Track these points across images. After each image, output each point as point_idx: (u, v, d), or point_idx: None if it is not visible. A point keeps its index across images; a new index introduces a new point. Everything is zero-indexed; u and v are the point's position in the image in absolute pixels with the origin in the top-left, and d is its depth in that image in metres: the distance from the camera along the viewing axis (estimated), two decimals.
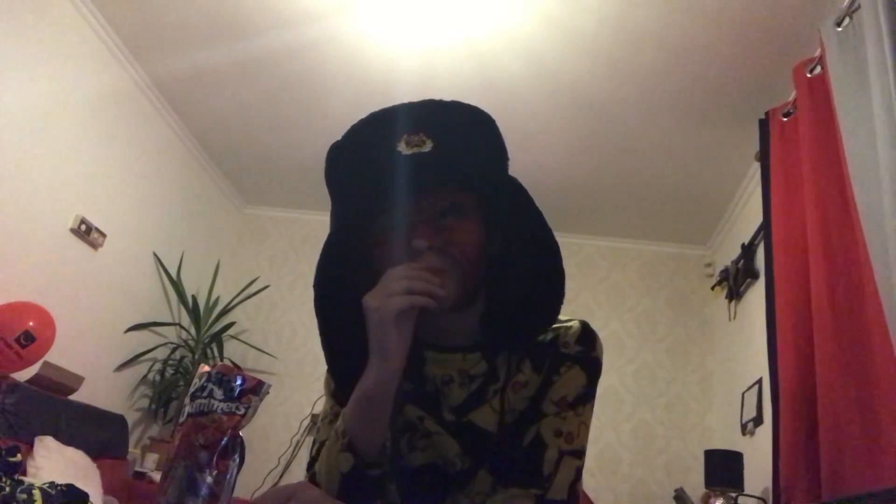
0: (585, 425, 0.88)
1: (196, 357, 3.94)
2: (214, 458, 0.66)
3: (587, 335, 0.91)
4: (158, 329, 3.89)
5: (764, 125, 2.70)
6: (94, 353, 3.36)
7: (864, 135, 1.84)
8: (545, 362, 0.89)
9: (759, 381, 3.14)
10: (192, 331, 4.11)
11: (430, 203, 0.82)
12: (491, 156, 0.87)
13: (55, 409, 2.78)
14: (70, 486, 2.14)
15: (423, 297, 0.74)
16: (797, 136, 2.35)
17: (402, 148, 0.79)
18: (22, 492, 1.97)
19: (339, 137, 0.89)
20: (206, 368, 0.72)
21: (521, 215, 0.86)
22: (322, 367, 0.91)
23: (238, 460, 0.68)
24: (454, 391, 0.89)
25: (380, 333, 0.75)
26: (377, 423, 0.79)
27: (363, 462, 0.78)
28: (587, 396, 0.88)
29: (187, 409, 0.69)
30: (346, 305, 0.85)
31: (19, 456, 2.31)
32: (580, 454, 0.86)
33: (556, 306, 0.88)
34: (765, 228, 2.63)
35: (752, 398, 3.24)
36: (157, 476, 3.30)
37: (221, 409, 0.68)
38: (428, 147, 0.79)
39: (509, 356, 0.90)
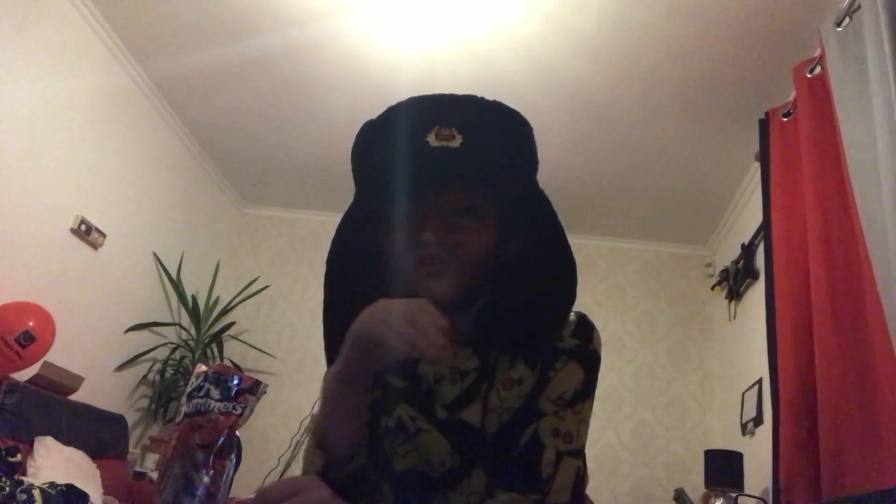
0: (585, 422, 0.86)
1: (196, 357, 3.94)
2: (211, 458, 0.66)
3: (584, 327, 0.89)
4: (158, 329, 3.89)
5: (764, 125, 2.70)
6: (94, 353, 3.36)
7: (864, 135, 1.84)
8: (539, 358, 0.86)
9: (759, 381, 3.13)
10: (192, 331, 4.11)
11: (448, 200, 0.82)
12: (520, 162, 0.86)
13: (55, 409, 2.78)
14: (70, 486, 2.14)
15: (413, 350, 0.72)
16: (797, 136, 2.35)
17: (431, 139, 0.79)
18: (22, 492, 1.96)
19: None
20: (203, 368, 0.71)
21: (541, 228, 0.86)
22: (322, 367, 0.89)
23: (235, 460, 0.68)
24: (446, 388, 0.88)
25: (356, 353, 0.77)
26: (342, 419, 0.80)
27: (332, 459, 0.79)
28: (586, 392, 0.86)
29: (184, 408, 0.69)
30: (349, 286, 0.87)
31: (19, 456, 2.32)
32: (579, 453, 0.83)
33: (560, 320, 0.87)
34: (765, 228, 2.63)
35: (752, 398, 3.23)
36: (156, 476, 3.30)
37: (218, 409, 0.67)
38: (456, 143, 0.79)
39: (501, 352, 0.88)
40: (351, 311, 0.81)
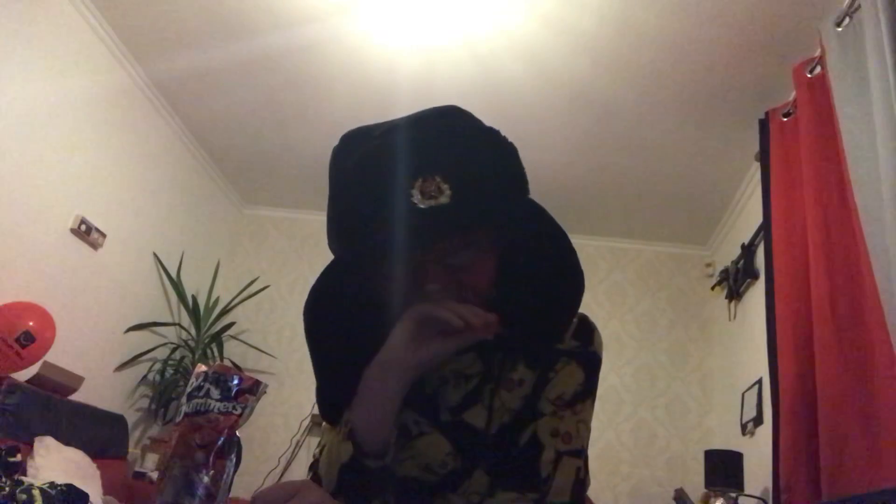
0: (585, 423, 0.86)
1: (196, 357, 3.94)
2: (211, 458, 0.66)
3: (584, 329, 0.89)
4: (158, 329, 3.89)
5: (764, 125, 2.70)
6: (94, 353, 3.36)
7: (864, 135, 1.84)
8: (540, 359, 0.87)
9: (759, 381, 3.13)
10: (192, 331, 4.11)
11: (445, 245, 0.79)
12: (511, 190, 0.83)
13: (55, 409, 2.78)
14: (70, 486, 2.14)
15: (466, 325, 0.75)
16: (797, 137, 2.35)
17: (418, 199, 0.74)
18: (22, 492, 1.96)
19: (337, 142, 0.85)
20: (203, 368, 0.72)
21: (541, 238, 0.84)
22: None
23: (235, 460, 0.68)
24: (450, 392, 0.88)
25: (408, 335, 0.77)
26: (379, 411, 0.78)
27: (362, 451, 0.77)
28: (586, 393, 0.86)
29: (184, 408, 0.69)
30: (339, 331, 0.84)
31: (19, 456, 2.31)
32: (580, 454, 0.83)
33: (565, 324, 0.87)
34: (765, 228, 2.63)
35: (752, 398, 3.24)
36: (157, 476, 3.30)
37: (218, 409, 0.67)
38: (445, 197, 0.75)
39: (504, 354, 0.88)
40: (352, 366, 0.79)
